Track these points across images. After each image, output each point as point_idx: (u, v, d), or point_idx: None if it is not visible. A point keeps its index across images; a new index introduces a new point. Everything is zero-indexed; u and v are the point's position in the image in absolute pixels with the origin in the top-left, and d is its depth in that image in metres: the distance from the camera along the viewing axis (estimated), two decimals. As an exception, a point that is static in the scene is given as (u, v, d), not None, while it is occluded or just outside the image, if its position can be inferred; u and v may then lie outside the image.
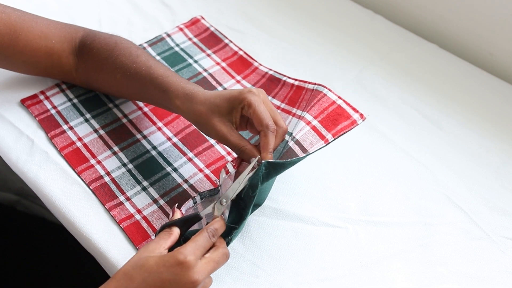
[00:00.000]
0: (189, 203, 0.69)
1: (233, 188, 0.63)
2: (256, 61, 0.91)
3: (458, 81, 0.94)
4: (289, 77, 0.86)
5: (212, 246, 0.60)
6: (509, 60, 0.96)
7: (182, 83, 0.72)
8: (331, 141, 0.68)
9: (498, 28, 0.95)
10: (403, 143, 0.83)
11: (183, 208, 0.67)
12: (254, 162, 0.64)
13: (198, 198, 0.70)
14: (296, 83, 0.84)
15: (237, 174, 0.69)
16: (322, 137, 0.68)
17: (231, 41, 0.94)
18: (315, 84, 0.79)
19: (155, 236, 0.61)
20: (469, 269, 0.70)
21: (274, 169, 0.63)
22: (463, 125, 0.87)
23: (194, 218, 0.62)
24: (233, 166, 0.68)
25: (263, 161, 0.63)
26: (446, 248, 0.72)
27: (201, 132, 0.72)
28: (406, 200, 0.77)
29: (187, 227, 0.62)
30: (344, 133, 0.69)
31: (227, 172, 0.68)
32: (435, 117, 0.88)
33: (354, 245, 0.71)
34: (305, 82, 0.82)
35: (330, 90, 0.75)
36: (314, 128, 0.69)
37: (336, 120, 0.70)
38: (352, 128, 0.70)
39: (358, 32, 1.01)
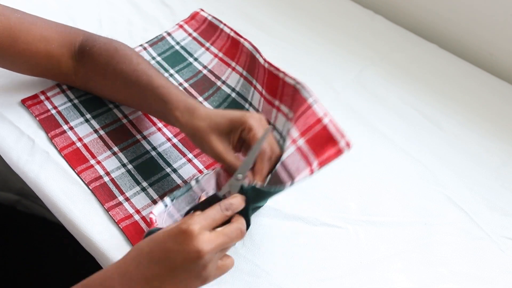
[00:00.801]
0: (160, 207, 0.67)
1: (247, 162, 0.61)
2: (242, 37, 0.89)
3: (458, 81, 0.94)
4: (260, 55, 0.82)
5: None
6: (509, 60, 0.96)
7: (183, 96, 0.71)
8: (316, 172, 0.65)
9: (498, 28, 0.95)
10: (403, 143, 0.83)
11: (155, 211, 0.65)
12: (267, 132, 0.62)
13: (168, 201, 0.68)
14: (266, 65, 0.79)
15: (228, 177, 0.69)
16: (308, 163, 0.64)
17: (225, 25, 0.93)
18: (291, 78, 0.73)
19: None
20: (469, 269, 0.70)
21: (258, 195, 0.62)
22: (463, 125, 0.87)
23: (214, 198, 0.60)
24: (222, 167, 0.69)
25: (252, 184, 0.61)
26: (446, 248, 0.72)
27: (196, 146, 0.71)
28: (406, 200, 0.77)
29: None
30: (329, 163, 0.65)
31: (213, 168, 0.69)
32: (435, 117, 0.88)
33: (354, 245, 0.71)
34: (278, 70, 0.77)
35: (310, 96, 0.69)
36: (300, 150, 0.66)
37: (323, 146, 0.65)
38: (337, 158, 0.65)
39: (358, 32, 1.01)
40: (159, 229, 0.59)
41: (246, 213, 0.61)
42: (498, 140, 0.86)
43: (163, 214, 0.67)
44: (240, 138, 0.68)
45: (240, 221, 0.59)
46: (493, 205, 0.77)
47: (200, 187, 0.70)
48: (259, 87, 0.81)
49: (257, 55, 0.83)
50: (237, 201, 0.59)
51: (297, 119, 0.68)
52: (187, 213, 0.60)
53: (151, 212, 0.65)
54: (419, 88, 0.92)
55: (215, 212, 0.57)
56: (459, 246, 0.72)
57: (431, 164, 0.81)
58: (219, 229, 0.56)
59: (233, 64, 0.89)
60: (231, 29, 0.93)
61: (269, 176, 0.67)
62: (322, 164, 0.63)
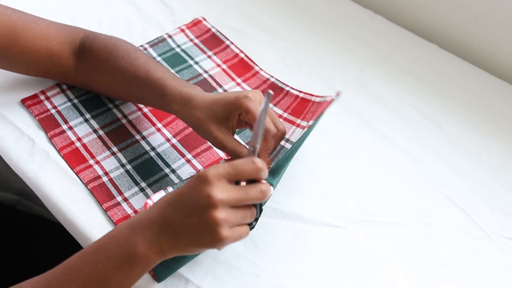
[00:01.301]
0: (161, 194, 0.67)
1: (257, 134, 0.56)
2: (257, 65, 0.92)
3: (458, 81, 0.94)
4: (292, 88, 0.87)
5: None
6: (509, 60, 0.96)
7: (179, 86, 0.71)
8: (313, 123, 0.70)
9: (498, 28, 0.95)
10: (403, 143, 0.83)
11: (154, 197, 0.65)
12: (267, 100, 0.58)
13: (170, 190, 0.68)
14: (301, 95, 0.86)
15: None
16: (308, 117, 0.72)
17: (232, 43, 0.95)
18: (323, 97, 0.82)
19: None
20: (469, 269, 0.70)
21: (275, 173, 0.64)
22: (463, 125, 0.87)
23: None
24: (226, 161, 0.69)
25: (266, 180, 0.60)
26: (446, 248, 0.72)
27: (199, 135, 0.72)
28: (406, 200, 0.77)
29: None
30: (323, 111, 0.71)
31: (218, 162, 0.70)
32: (435, 117, 0.88)
33: (354, 245, 0.71)
34: (312, 95, 0.85)
35: (317, 96, 0.77)
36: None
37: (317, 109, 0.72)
38: (330, 105, 0.71)
39: (358, 32, 1.01)
40: None
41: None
42: (498, 140, 0.86)
43: None
44: (241, 120, 0.68)
45: (265, 184, 0.55)
46: (493, 205, 0.77)
47: None
48: (277, 110, 0.85)
49: (287, 88, 0.88)
50: (265, 167, 0.54)
51: (304, 116, 0.75)
52: None
53: (149, 198, 0.65)
54: (419, 88, 0.92)
55: (242, 163, 0.53)
56: (459, 246, 0.72)
57: (431, 164, 0.81)
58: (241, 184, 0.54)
59: (239, 80, 0.90)
60: (241, 50, 0.94)
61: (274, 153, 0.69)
62: (317, 114, 0.70)
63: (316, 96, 0.85)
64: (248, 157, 0.55)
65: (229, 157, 0.70)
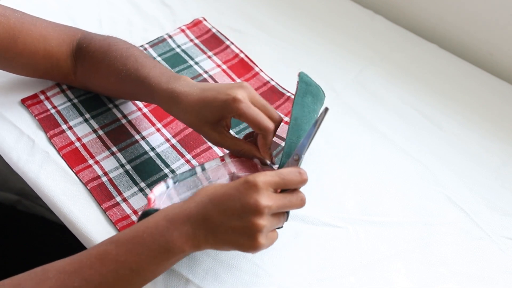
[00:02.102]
0: (161, 187, 0.67)
1: (305, 145, 0.61)
2: (257, 66, 0.92)
3: (458, 81, 0.94)
4: (293, 94, 0.87)
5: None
6: (509, 60, 0.96)
7: (164, 83, 0.70)
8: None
9: (498, 28, 0.95)
10: (403, 143, 0.83)
11: (155, 191, 0.65)
12: (325, 111, 0.62)
13: (170, 182, 0.68)
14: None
15: (240, 162, 0.70)
16: None
17: (232, 43, 0.95)
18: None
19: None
20: (469, 269, 0.70)
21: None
22: (463, 125, 0.87)
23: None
24: (230, 156, 0.70)
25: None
26: (446, 248, 0.72)
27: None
28: (406, 200, 0.77)
29: None
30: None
31: (222, 159, 0.70)
32: (435, 117, 0.88)
33: (354, 245, 0.71)
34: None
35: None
36: None
37: None
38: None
39: (358, 32, 1.01)
40: (156, 210, 0.60)
41: None
42: (498, 140, 0.86)
43: (163, 195, 0.67)
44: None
45: (302, 193, 0.58)
46: (493, 205, 0.77)
47: (205, 175, 0.70)
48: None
49: (288, 93, 0.88)
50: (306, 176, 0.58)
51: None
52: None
53: (151, 191, 0.65)
54: (419, 88, 0.92)
55: (289, 173, 0.57)
56: (459, 246, 0.72)
57: (431, 164, 0.81)
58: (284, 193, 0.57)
59: (238, 80, 0.90)
60: (241, 51, 0.94)
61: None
62: None
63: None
64: (293, 166, 0.59)
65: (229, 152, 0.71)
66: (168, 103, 0.70)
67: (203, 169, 0.70)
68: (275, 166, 0.71)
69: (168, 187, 0.67)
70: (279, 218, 0.58)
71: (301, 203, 0.58)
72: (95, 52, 0.77)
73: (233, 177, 0.70)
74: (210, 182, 0.70)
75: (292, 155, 0.62)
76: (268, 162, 0.70)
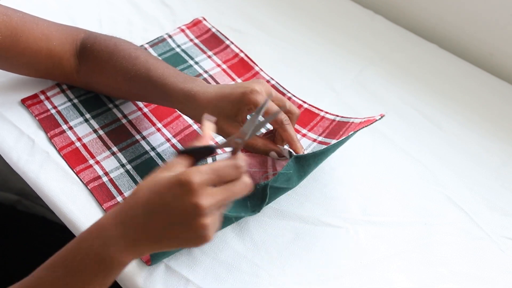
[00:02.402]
0: None
1: (249, 127, 0.56)
2: (257, 65, 0.92)
3: (458, 81, 0.94)
4: (294, 95, 0.87)
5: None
6: (509, 60, 0.96)
7: (180, 83, 0.71)
8: (352, 134, 0.72)
9: (498, 28, 0.95)
10: (403, 143, 0.83)
11: None
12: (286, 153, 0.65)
13: None
14: (306, 105, 0.86)
15: (250, 157, 0.71)
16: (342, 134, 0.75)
17: (232, 43, 0.95)
18: (337, 115, 0.82)
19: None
20: (469, 269, 0.70)
21: (301, 163, 0.66)
22: (463, 125, 0.87)
23: (206, 151, 0.55)
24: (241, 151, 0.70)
25: (293, 154, 0.64)
26: (446, 248, 0.72)
27: None
28: (406, 200, 0.77)
29: (198, 159, 0.56)
30: (364, 126, 0.72)
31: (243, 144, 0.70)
32: (435, 117, 0.88)
33: (354, 245, 0.71)
34: (320, 109, 0.84)
35: (356, 118, 0.79)
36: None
37: (358, 127, 0.74)
38: (371, 123, 0.73)
39: (358, 32, 1.01)
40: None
41: (265, 189, 0.61)
42: (498, 140, 0.86)
43: None
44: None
45: (245, 177, 0.54)
46: (493, 205, 0.77)
47: None
48: None
49: (288, 94, 0.88)
50: (244, 162, 0.54)
51: (341, 135, 0.77)
52: (176, 154, 0.56)
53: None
54: (419, 88, 0.92)
55: (224, 167, 0.52)
56: (459, 246, 0.72)
57: (431, 164, 0.81)
58: (223, 186, 0.53)
59: (239, 80, 0.90)
60: (241, 50, 0.94)
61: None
62: (356, 128, 0.72)
63: (326, 112, 0.84)
64: (232, 153, 0.55)
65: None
66: (183, 102, 0.70)
67: (214, 160, 0.71)
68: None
69: None
70: (224, 206, 0.54)
71: (245, 189, 0.54)
72: (101, 52, 0.77)
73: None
74: None
75: (236, 139, 0.57)
76: (287, 154, 0.69)
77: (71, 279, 0.54)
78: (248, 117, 0.67)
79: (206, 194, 0.50)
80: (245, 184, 0.54)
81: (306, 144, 0.80)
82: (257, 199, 0.67)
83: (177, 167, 0.53)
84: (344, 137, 0.72)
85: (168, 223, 0.52)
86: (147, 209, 0.52)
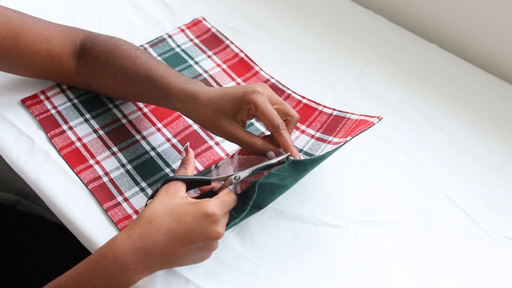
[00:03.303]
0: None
1: (250, 169, 0.64)
2: (257, 65, 0.92)
3: (458, 81, 0.94)
4: (293, 92, 0.87)
5: None
6: (509, 60, 0.96)
7: (181, 83, 0.71)
8: (349, 139, 0.72)
9: (498, 28, 0.95)
10: (403, 143, 0.83)
11: None
12: (283, 156, 0.66)
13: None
14: (305, 101, 0.86)
15: (245, 160, 0.70)
16: (346, 135, 0.75)
17: (232, 43, 0.95)
18: (334, 109, 0.83)
19: (161, 184, 0.62)
20: (469, 269, 0.70)
21: (295, 167, 0.66)
22: (463, 125, 0.87)
23: (203, 181, 0.64)
24: (239, 154, 0.70)
25: (290, 158, 0.65)
26: (446, 248, 0.72)
27: (208, 131, 0.73)
28: (406, 200, 0.77)
29: (193, 187, 0.64)
30: (362, 131, 0.72)
31: (231, 157, 0.71)
32: (435, 117, 0.88)
33: (354, 245, 0.71)
34: (318, 104, 0.85)
35: (353, 114, 0.80)
36: (331, 142, 0.77)
37: (355, 128, 0.75)
38: (369, 127, 0.73)
39: (358, 32, 1.01)
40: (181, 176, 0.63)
41: (253, 188, 0.63)
42: (498, 140, 0.86)
43: None
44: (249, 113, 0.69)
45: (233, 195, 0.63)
46: (493, 205, 0.77)
47: (217, 172, 0.71)
48: None
49: (288, 91, 0.88)
50: (232, 199, 0.63)
51: (338, 132, 0.79)
52: (171, 179, 0.62)
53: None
54: (419, 88, 0.92)
55: (230, 200, 0.61)
56: (459, 246, 0.72)
57: (431, 164, 0.81)
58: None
59: (239, 79, 0.90)
60: (241, 50, 0.94)
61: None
62: (353, 133, 0.72)
63: (324, 106, 0.84)
64: (233, 187, 0.66)
65: (242, 151, 0.71)
66: (184, 101, 0.70)
67: (216, 166, 0.72)
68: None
69: None
70: None
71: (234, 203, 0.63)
72: (101, 52, 0.77)
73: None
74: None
75: (233, 175, 0.64)
76: (284, 156, 0.69)
77: None
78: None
79: (223, 223, 0.60)
80: (234, 199, 0.63)
81: (304, 141, 0.80)
82: (247, 197, 0.67)
83: (181, 193, 0.61)
84: (341, 143, 0.71)
85: (188, 248, 0.58)
86: (170, 236, 0.57)
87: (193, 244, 0.58)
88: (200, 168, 0.77)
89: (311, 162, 0.68)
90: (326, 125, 0.81)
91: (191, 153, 0.67)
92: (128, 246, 0.57)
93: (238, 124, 0.69)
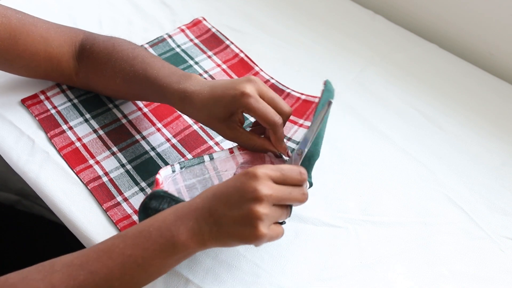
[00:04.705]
0: (167, 170, 0.67)
1: (308, 140, 0.62)
2: (257, 65, 0.92)
3: (458, 81, 0.94)
4: (293, 90, 0.87)
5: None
6: (509, 60, 0.96)
7: (175, 83, 0.71)
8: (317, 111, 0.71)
9: (498, 28, 0.95)
10: (403, 143, 0.83)
11: (162, 172, 0.66)
12: (329, 105, 0.65)
13: (177, 167, 0.68)
14: (303, 97, 0.86)
15: (249, 154, 0.71)
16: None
17: (232, 43, 0.95)
18: (298, 92, 0.84)
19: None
20: (469, 269, 0.70)
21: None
22: (463, 125, 0.87)
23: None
24: (239, 149, 0.71)
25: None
26: (446, 248, 0.72)
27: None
28: (406, 200, 0.77)
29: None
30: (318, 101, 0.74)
31: (231, 152, 0.71)
32: (435, 117, 0.88)
33: (354, 245, 0.71)
34: (314, 97, 0.85)
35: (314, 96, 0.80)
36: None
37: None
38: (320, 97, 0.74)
39: (358, 32, 1.01)
40: (165, 191, 0.61)
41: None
42: (498, 140, 0.86)
43: (168, 178, 0.67)
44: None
45: (305, 187, 0.59)
46: (493, 205, 0.77)
47: (213, 165, 0.71)
48: None
49: (287, 90, 0.89)
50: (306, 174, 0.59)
51: (308, 116, 0.80)
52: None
53: (158, 173, 0.65)
54: (419, 88, 0.92)
55: (289, 170, 0.57)
56: (459, 246, 0.72)
57: (431, 164, 0.81)
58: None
59: None
60: (241, 50, 0.94)
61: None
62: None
63: (319, 98, 0.84)
64: (295, 161, 0.62)
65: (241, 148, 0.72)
66: (180, 103, 0.71)
67: (211, 158, 0.70)
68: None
69: (174, 171, 0.68)
70: (282, 210, 0.57)
71: (303, 197, 0.58)
72: (100, 53, 0.77)
73: (241, 167, 0.71)
74: (217, 173, 0.70)
75: (296, 150, 0.63)
76: (284, 156, 0.70)
77: (137, 248, 0.56)
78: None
79: (266, 184, 0.55)
80: (304, 193, 0.58)
81: (302, 134, 0.81)
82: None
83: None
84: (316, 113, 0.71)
85: (229, 205, 0.55)
86: (214, 193, 0.57)
87: (231, 200, 0.55)
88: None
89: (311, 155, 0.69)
90: (295, 107, 0.85)
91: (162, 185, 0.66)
92: (184, 204, 0.58)
93: (236, 125, 0.69)
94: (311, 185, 0.67)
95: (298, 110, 0.84)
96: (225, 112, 0.68)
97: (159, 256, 0.56)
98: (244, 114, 0.76)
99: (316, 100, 0.85)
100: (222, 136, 0.70)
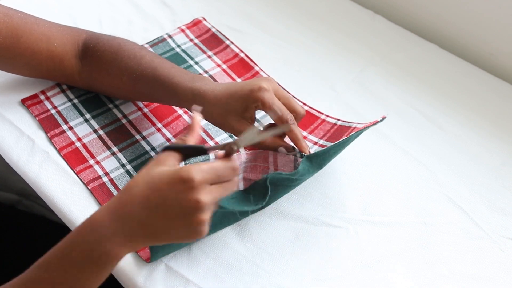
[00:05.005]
0: None
1: (248, 138, 0.57)
2: (257, 65, 0.91)
3: (458, 81, 0.94)
4: (294, 97, 0.87)
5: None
6: (509, 60, 0.96)
7: (188, 82, 0.72)
8: (358, 133, 0.72)
9: (498, 28, 0.95)
10: (403, 143, 0.83)
11: None
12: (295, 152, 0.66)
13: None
14: (306, 107, 0.85)
15: (252, 153, 0.71)
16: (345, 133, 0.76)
17: (232, 43, 0.95)
18: (338, 119, 0.82)
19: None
20: (469, 269, 0.70)
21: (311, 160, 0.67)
22: (463, 125, 0.87)
23: (198, 150, 0.57)
24: (245, 148, 0.71)
25: (303, 154, 0.65)
26: (446, 248, 0.72)
27: (219, 128, 0.73)
28: (406, 200, 0.77)
29: (188, 157, 0.58)
30: (366, 127, 0.73)
31: (237, 151, 0.70)
32: (435, 117, 0.88)
33: (354, 245, 0.71)
34: (320, 112, 0.84)
35: (359, 123, 0.78)
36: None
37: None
38: (372, 125, 0.74)
39: (358, 32, 1.01)
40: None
41: (265, 183, 0.63)
42: (498, 140, 0.86)
43: None
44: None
45: (237, 177, 0.57)
46: (493, 205, 0.77)
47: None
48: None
49: (322, 116, 0.87)
50: (237, 167, 0.56)
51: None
52: (168, 148, 0.56)
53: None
54: (419, 88, 0.92)
55: (223, 169, 0.54)
56: (459, 246, 0.72)
57: (431, 164, 0.81)
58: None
59: (239, 80, 0.90)
60: (241, 50, 0.93)
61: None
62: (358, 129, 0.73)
63: (327, 115, 0.83)
64: (229, 156, 0.56)
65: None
66: (192, 100, 0.70)
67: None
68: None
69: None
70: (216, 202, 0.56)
71: (234, 188, 0.56)
72: (105, 52, 0.77)
73: (244, 167, 0.72)
74: None
75: (232, 145, 0.58)
76: (304, 153, 0.70)
77: (66, 275, 0.54)
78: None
79: (206, 191, 0.52)
80: (236, 183, 0.57)
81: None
82: (259, 193, 0.67)
83: (170, 161, 0.54)
84: (351, 134, 0.72)
85: (167, 218, 0.52)
86: (145, 205, 0.52)
87: (170, 213, 0.52)
88: None
89: (324, 154, 0.69)
90: (330, 133, 0.81)
91: (196, 119, 0.59)
92: (105, 216, 0.54)
93: (247, 122, 0.70)
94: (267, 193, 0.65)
95: (303, 121, 0.83)
96: (240, 106, 0.68)
97: (91, 275, 0.55)
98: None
99: (322, 117, 0.84)
100: (232, 132, 0.71)
